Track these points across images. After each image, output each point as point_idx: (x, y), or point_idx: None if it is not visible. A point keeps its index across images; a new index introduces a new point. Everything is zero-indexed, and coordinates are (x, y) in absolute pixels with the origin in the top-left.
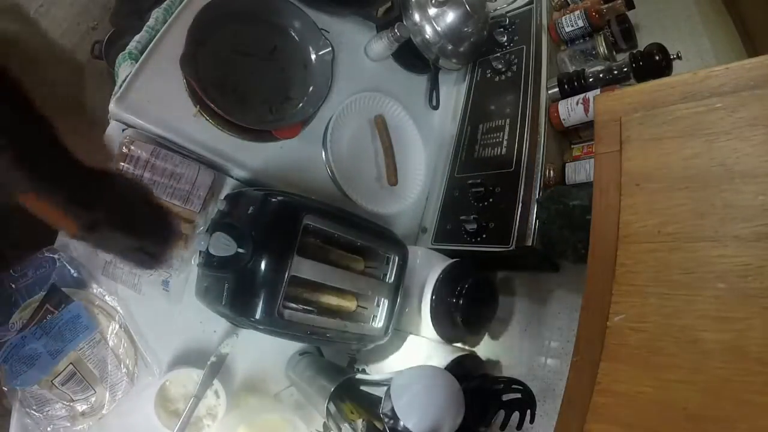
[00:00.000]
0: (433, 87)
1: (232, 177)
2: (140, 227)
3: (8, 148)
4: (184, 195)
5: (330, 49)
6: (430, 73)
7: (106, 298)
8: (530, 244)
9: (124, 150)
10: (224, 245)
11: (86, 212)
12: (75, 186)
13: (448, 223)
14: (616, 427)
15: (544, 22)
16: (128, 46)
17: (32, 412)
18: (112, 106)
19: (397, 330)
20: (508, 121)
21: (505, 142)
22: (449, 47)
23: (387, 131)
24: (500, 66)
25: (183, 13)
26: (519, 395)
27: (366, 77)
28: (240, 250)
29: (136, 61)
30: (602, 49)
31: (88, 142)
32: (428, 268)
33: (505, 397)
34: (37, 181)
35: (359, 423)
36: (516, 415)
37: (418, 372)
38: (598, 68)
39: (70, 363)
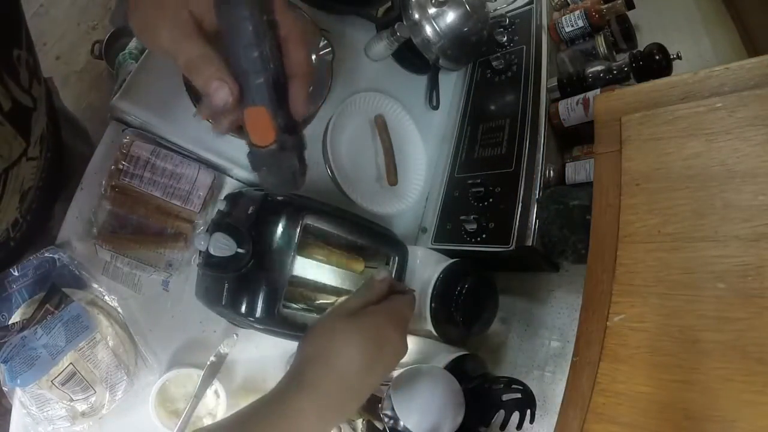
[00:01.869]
0: (433, 87)
1: (232, 177)
2: (302, 159)
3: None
4: (184, 195)
5: (330, 49)
6: (430, 73)
7: (106, 298)
8: (530, 244)
9: (124, 150)
10: (224, 245)
11: (287, 134)
12: (289, 116)
13: (448, 223)
14: (616, 427)
15: (544, 22)
16: (128, 46)
17: (32, 411)
18: (112, 106)
19: None
20: (508, 121)
21: (505, 142)
22: (449, 47)
23: (387, 131)
24: (500, 66)
25: None
26: (519, 395)
27: (366, 77)
28: (240, 251)
29: (137, 61)
30: (602, 49)
31: None
32: (428, 268)
33: (505, 397)
34: (273, 100)
35: (359, 423)
36: (516, 415)
37: (418, 372)
38: (598, 68)
39: (70, 363)
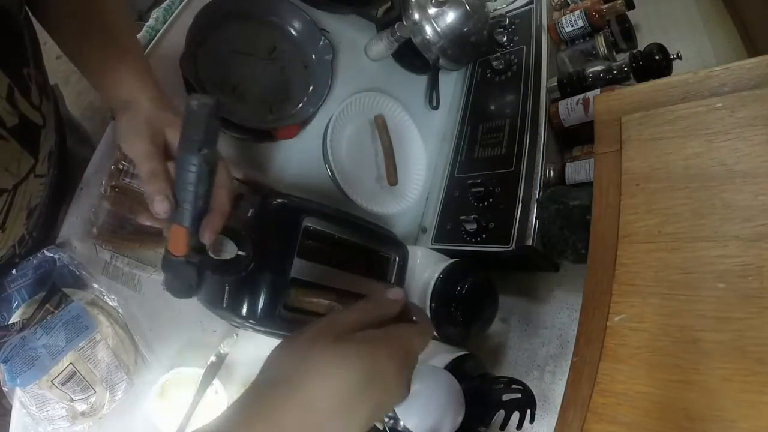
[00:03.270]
0: (433, 87)
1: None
2: (201, 276)
3: None
4: None
5: (330, 49)
6: (430, 73)
7: (106, 298)
8: (530, 244)
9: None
10: (224, 248)
11: (195, 253)
12: (199, 240)
13: (448, 223)
14: (616, 427)
15: (544, 22)
16: None
17: (32, 411)
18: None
19: None
20: (508, 121)
21: (505, 142)
22: (449, 47)
23: (387, 131)
24: (500, 66)
25: (183, 13)
26: (519, 395)
27: (366, 77)
28: (240, 253)
29: None
30: (602, 49)
31: None
32: (428, 268)
33: (505, 397)
34: (192, 225)
35: None
36: (516, 415)
37: (418, 372)
38: (598, 68)
39: (70, 363)
